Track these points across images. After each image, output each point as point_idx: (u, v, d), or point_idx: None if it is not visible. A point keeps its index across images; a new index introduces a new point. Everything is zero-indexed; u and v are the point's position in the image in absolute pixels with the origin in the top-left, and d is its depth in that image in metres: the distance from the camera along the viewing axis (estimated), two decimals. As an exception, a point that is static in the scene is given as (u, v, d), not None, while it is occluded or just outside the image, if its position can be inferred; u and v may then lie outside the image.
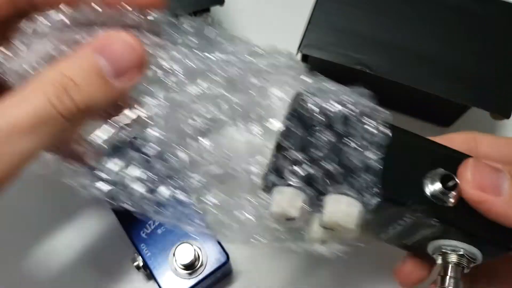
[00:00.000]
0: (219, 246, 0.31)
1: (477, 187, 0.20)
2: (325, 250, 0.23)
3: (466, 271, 0.22)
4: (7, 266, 0.35)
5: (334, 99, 0.22)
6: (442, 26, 0.33)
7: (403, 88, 0.32)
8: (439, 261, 0.23)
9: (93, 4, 0.20)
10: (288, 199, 0.21)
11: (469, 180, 0.20)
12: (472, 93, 0.32)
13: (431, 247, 0.23)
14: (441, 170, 0.21)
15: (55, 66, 0.18)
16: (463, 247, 0.22)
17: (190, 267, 0.30)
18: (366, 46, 0.33)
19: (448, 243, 0.22)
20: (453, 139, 0.25)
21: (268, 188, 0.22)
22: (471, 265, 0.22)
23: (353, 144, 0.21)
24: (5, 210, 0.36)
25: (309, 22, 0.34)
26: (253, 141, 0.23)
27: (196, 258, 0.30)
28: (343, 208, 0.21)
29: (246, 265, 0.35)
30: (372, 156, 0.21)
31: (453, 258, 0.22)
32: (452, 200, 0.21)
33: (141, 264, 0.31)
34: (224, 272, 0.33)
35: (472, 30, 0.33)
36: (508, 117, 0.32)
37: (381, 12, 0.34)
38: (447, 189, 0.21)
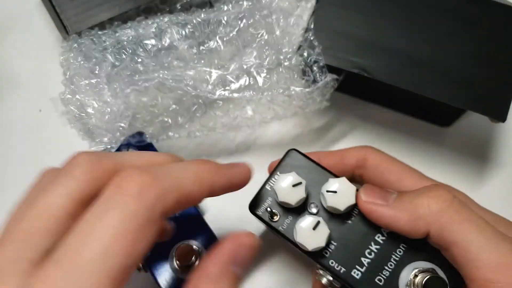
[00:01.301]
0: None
1: (369, 202, 0.25)
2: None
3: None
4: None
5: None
6: (439, 30, 0.34)
7: (401, 91, 0.33)
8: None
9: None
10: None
11: (362, 197, 0.25)
12: (468, 97, 0.32)
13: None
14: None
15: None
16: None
17: (190, 267, 0.31)
18: (364, 50, 0.33)
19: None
20: (345, 155, 0.29)
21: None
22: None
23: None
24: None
25: (308, 26, 0.34)
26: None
27: (197, 258, 0.31)
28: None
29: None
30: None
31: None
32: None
33: (141, 264, 0.32)
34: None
35: (470, 34, 0.33)
36: (503, 121, 0.32)
37: (379, 16, 0.34)
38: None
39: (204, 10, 0.34)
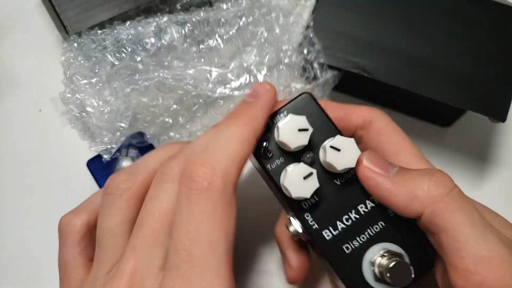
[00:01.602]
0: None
1: (369, 168, 0.24)
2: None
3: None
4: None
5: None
6: (439, 30, 0.34)
7: (401, 91, 0.33)
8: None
9: None
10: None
11: (364, 162, 0.24)
12: (468, 97, 0.33)
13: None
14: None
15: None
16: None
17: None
18: (364, 50, 0.33)
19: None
20: (352, 112, 0.28)
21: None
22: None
23: None
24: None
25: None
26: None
27: None
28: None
29: (245, 265, 0.35)
30: None
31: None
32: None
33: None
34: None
35: (470, 34, 0.33)
36: (503, 121, 0.32)
37: (379, 16, 0.34)
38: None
39: (203, 8, 0.34)
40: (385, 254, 0.24)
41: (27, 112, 0.40)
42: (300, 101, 0.26)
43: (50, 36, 0.41)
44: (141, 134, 0.34)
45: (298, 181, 0.24)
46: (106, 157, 0.32)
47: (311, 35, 0.33)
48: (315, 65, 0.34)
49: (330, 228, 0.25)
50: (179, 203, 0.22)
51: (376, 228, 0.25)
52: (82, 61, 0.32)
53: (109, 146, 0.32)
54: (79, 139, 0.34)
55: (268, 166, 0.25)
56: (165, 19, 0.33)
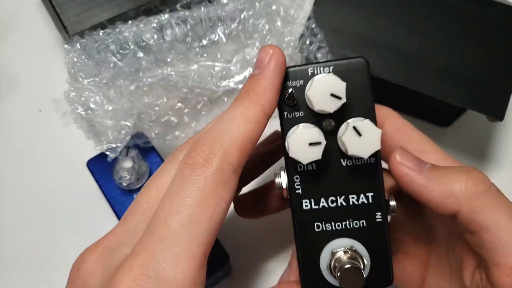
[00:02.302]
0: (219, 246, 0.32)
1: (403, 164, 0.24)
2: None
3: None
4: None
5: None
6: (439, 29, 0.34)
7: (401, 90, 0.33)
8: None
9: None
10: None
11: (397, 158, 0.24)
12: (467, 95, 0.33)
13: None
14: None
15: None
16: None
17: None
18: (363, 47, 0.33)
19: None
20: None
21: None
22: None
23: None
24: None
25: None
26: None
27: None
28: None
29: (246, 265, 0.35)
30: None
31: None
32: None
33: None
34: (224, 272, 0.33)
35: (470, 33, 0.34)
36: (501, 120, 0.32)
37: (379, 13, 0.34)
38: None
39: (204, 4, 0.34)
40: (349, 252, 0.23)
41: (27, 112, 0.40)
42: (352, 63, 0.23)
43: (50, 36, 0.41)
44: (141, 135, 0.34)
45: (303, 144, 0.22)
46: (111, 156, 0.32)
47: (313, 26, 0.33)
48: (319, 55, 0.34)
49: (312, 201, 0.24)
50: (174, 176, 0.21)
51: (356, 224, 0.24)
52: (86, 60, 0.32)
53: (114, 145, 0.32)
54: (79, 139, 0.34)
55: (286, 113, 0.23)
56: (166, 16, 0.33)
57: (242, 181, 0.27)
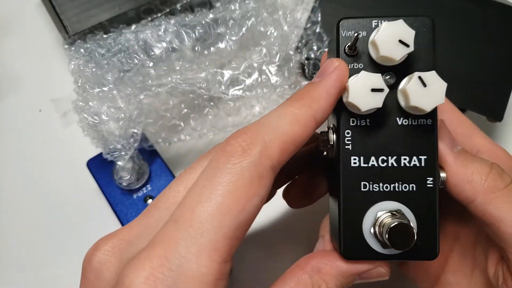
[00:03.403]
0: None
1: (438, 135, 0.23)
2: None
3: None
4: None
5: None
6: (440, 30, 0.33)
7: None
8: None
9: None
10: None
11: (444, 133, 0.23)
12: (466, 96, 0.33)
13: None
14: None
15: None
16: None
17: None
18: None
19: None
20: None
21: None
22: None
23: None
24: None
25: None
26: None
27: None
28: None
29: (247, 266, 0.36)
30: None
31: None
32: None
33: None
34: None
35: (469, 33, 0.34)
36: (500, 120, 0.32)
37: (379, 13, 0.34)
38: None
39: (211, 11, 0.34)
40: (397, 215, 0.22)
41: (27, 112, 0.40)
42: (418, 21, 0.22)
43: (50, 36, 0.41)
44: (145, 138, 0.35)
45: (365, 89, 0.21)
46: (120, 163, 0.32)
47: (319, 31, 0.33)
48: None
49: (361, 158, 0.22)
50: (208, 163, 0.20)
51: (406, 187, 0.22)
52: (94, 69, 0.31)
53: (123, 153, 0.32)
54: (79, 139, 0.34)
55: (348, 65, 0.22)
56: (172, 21, 0.33)
57: (276, 184, 0.26)
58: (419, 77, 0.21)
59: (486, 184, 0.22)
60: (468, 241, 0.27)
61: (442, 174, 0.23)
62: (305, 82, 0.34)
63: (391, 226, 0.21)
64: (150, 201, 0.34)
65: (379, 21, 0.22)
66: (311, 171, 0.28)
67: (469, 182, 0.23)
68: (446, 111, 0.27)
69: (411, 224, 0.21)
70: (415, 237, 0.21)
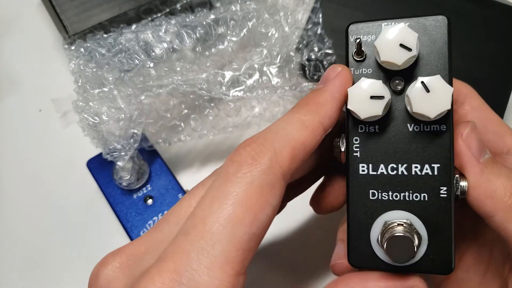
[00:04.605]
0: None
1: (466, 142, 0.22)
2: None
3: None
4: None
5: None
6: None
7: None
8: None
9: None
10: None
11: (463, 134, 0.22)
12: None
13: None
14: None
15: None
16: None
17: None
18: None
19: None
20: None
21: None
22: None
23: None
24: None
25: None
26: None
27: None
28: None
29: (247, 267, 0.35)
30: None
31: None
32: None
33: None
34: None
35: (470, 34, 0.34)
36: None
37: (378, 14, 0.34)
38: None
39: (212, 11, 0.34)
40: (404, 225, 0.21)
41: (27, 112, 0.40)
42: (431, 20, 0.22)
43: (50, 36, 0.41)
44: (145, 138, 0.35)
45: (364, 96, 0.20)
46: (120, 164, 0.32)
47: (320, 32, 0.33)
48: (325, 62, 0.34)
49: (370, 166, 0.22)
50: (218, 174, 0.19)
51: (416, 197, 0.21)
52: (95, 69, 0.31)
53: (123, 153, 0.32)
54: (79, 139, 0.34)
55: (353, 69, 0.22)
56: (173, 22, 0.33)
57: (286, 196, 0.26)
58: (422, 82, 0.20)
59: (508, 202, 0.21)
60: (486, 244, 0.26)
61: (463, 183, 0.22)
62: (306, 83, 0.34)
63: (388, 237, 0.20)
64: (150, 201, 0.34)
65: (389, 23, 0.22)
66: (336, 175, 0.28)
67: (491, 198, 0.21)
68: (477, 108, 0.26)
69: (419, 236, 0.21)
70: (415, 251, 0.20)
